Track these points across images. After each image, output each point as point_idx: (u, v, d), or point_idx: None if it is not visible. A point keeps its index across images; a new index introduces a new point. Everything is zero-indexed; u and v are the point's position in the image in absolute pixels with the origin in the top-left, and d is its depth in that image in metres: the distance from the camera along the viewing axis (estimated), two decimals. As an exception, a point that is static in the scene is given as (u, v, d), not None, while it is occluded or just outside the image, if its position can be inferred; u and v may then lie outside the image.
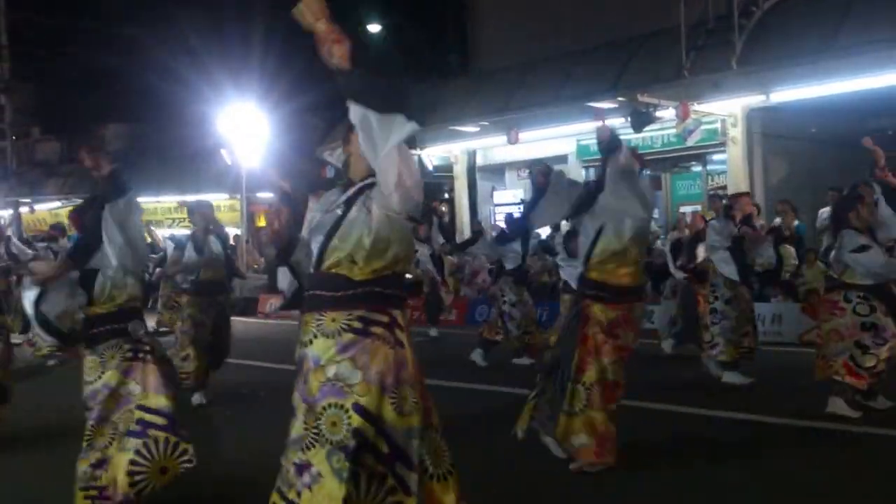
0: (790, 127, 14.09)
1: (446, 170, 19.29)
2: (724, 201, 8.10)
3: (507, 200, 18.80)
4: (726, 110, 13.89)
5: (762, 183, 14.24)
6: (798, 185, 14.13)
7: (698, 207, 14.88)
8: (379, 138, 2.79)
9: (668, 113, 13.24)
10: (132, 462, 4.20)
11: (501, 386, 7.36)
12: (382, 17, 25.39)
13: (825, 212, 11.97)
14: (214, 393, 7.42)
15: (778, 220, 10.89)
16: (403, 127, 2.79)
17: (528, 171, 18.41)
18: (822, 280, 9.05)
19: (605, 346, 4.84)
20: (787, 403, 6.48)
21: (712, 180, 15.58)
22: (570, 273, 8.34)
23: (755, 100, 13.44)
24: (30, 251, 7.06)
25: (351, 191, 3.05)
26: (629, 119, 13.29)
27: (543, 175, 5.11)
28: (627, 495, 4.51)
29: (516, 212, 17.67)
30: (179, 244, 7.88)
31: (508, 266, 9.14)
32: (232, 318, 8.06)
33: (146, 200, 23.11)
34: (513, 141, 16.17)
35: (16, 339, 8.62)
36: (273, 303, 15.39)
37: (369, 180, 3.02)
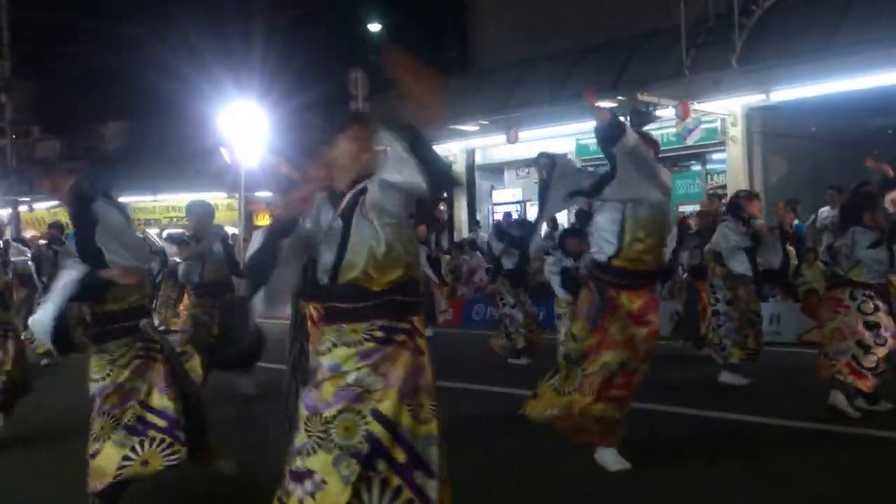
0: (790, 126, 14.09)
1: (445, 168, 19.26)
2: (739, 198, 7.98)
3: (506, 199, 18.80)
4: (726, 109, 13.89)
5: (762, 182, 14.24)
6: (798, 184, 14.13)
7: (697, 207, 14.87)
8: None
9: (667, 112, 13.24)
10: (125, 458, 4.17)
11: (499, 386, 7.36)
12: (383, 16, 25.42)
13: (825, 211, 11.98)
14: (214, 392, 7.41)
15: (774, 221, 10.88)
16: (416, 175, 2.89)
17: (530, 167, 18.43)
18: (822, 280, 9.08)
19: (629, 337, 4.79)
20: (787, 403, 6.47)
21: (712, 179, 15.58)
22: (553, 271, 8.30)
23: (755, 99, 13.44)
24: (28, 251, 7.08)
25: (344, 201, 2.97)
26: (629, 118, 13.29)
27: (547, 171, 5.00)
28: (627, 495, 4.50)
29: (514, 211, 17.76)
30: (178, 243, 7.89)
31: (507, 266, 9.13)
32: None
33: (145, 199, 23.14)
34: (512, 140, 16.17)
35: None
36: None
37: (359, 187, 2.97)
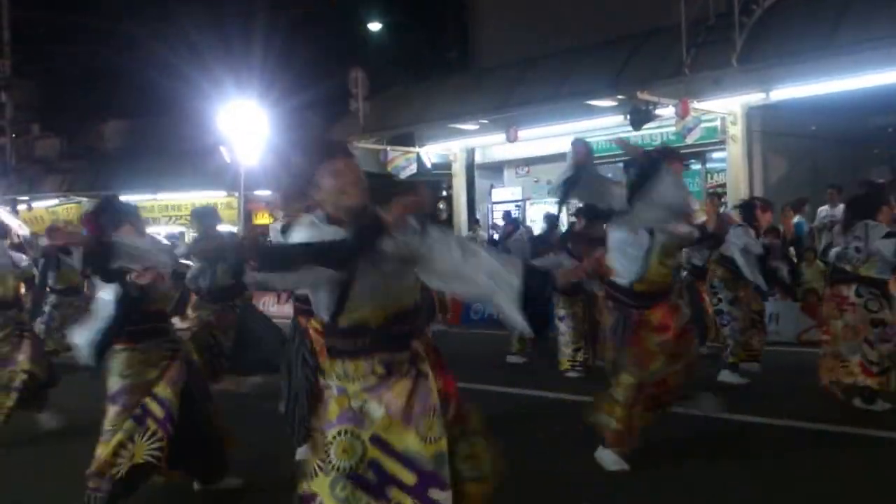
0: (790, 125, 14.08)
1: (445, 167, 19.28)
2: (755, 207, 7.93)
3: (506, 198, 18.80)
4: (726, 108, 13.88)
5: (762, 181, 14.23)
6: (798, 182, 14.12)
7: (697, 206, 14.85)
8: None
9: (667, 111, 13.23)
10: (121, 444, 4.21)
11: (499, 385, 7.35)
12: (383, 15, 25.41)
13: (824, 210, 11.97)
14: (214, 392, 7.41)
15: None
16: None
17: (529, 166, 18.44)
18: (821, 279, 9.07)
19: (657, 347, 4.85)
20: (787, 403, 6.47)
21: (712, 178, 15.58)
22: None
23: (755, 97, 13.43)
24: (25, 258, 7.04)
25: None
26: (629, 117, 13.28)
27: (581, 156, 4.83)
28: (627, 495, 4.50)
29: (514, 210, 17.76)
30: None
31: None
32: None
33: (143, 198, 23.10)
34: (512, 139, 16.16)
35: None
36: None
37: (366, 232, 2.84)
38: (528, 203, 18.27)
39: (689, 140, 13.72)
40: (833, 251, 6.54)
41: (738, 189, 13.88)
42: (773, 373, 7.77)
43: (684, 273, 9.19)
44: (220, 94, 18.68)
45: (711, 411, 5.50)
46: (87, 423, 6.37)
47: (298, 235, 2.85)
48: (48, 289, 9.92)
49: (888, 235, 6.00)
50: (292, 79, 19.67)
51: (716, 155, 15.29)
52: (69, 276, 9.70)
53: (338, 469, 2.77)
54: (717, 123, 14.25)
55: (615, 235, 4.93)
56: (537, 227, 15.58)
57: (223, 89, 18.64)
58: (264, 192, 22.03)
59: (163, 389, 4.35)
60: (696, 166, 16.04)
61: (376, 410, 2.83)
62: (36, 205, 25.40)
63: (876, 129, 14.51)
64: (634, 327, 4.86)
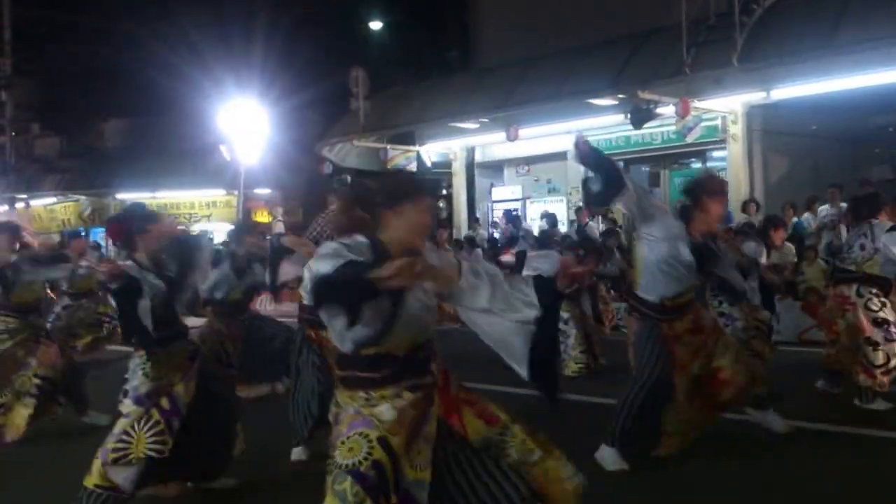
0: (791, 124, 14.08)
1: (445, 166, 19.27)
2: (770, 228, 7.90)
3: (506, 197, 18.79)
4: (727, 107, 13.87)
5: (762, 180, 14.23)
6: (798, 182, 14.11)
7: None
8: None
9: (668, 110, 13.22)
10: (124, 433, 4.21)
11: (501, 385, 7.31)
12: (384, 14, 25.37)
13: (824, 209, 11.96)
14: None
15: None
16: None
17: (529, 165, 18.43)
18: (822, 278, 9.06)
19: (695, 349, 4.89)
20: (787, 403, 6.42)
21: (712, 177, 15.56)
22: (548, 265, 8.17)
23: (756, 96, 13.42)
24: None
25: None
26: (629, 116, 13.26)
27: (584, 142, 4.85)
28: (627, 495, 4.50)
29: (514, 209, 17.75)
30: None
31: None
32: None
33: (143, 197, 23.08)
34: (512, 138, 16.14)
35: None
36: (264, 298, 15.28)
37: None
38: (528, 202, 18.27)
39: (690, 139, 13.73)
40: (835, 252, 6.58)
41: (738, 188, 13.87)
42: (774, 372, 7.69)
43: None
44: (220, 92, 18.67)
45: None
46: (87, 423, 6.43)
47: (328, 264, 2.67)
48: (61, 292, 9.99)
49: (892, 230, 6.00)
50: (293, 77, 19.63)
51: (716, 154, 15.29)
52: (83, 282, 9.66)
53: (340, 466, 2.76)
54: (718, 122, 14.25)
55: (649, 253, 4.84)
56: (537, 226, 15.58)
57: (223, 88, 18.63)
58: (264, 191, 22.07)
59: (178, 387, 4.39)
60: (696, 165, 16.05)
61: (387, 413, 2.82)
62: (34, 203, 25.41)
63: (876, 129, 14.50)
64: (666, 339, 4.85)
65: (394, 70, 21.59)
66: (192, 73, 20.01)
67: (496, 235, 16.73)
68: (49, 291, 9.07)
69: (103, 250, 14.68)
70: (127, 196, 23.88)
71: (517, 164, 18.77)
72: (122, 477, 4.12)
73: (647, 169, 17.22)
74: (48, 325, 9.44)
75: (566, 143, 16.88)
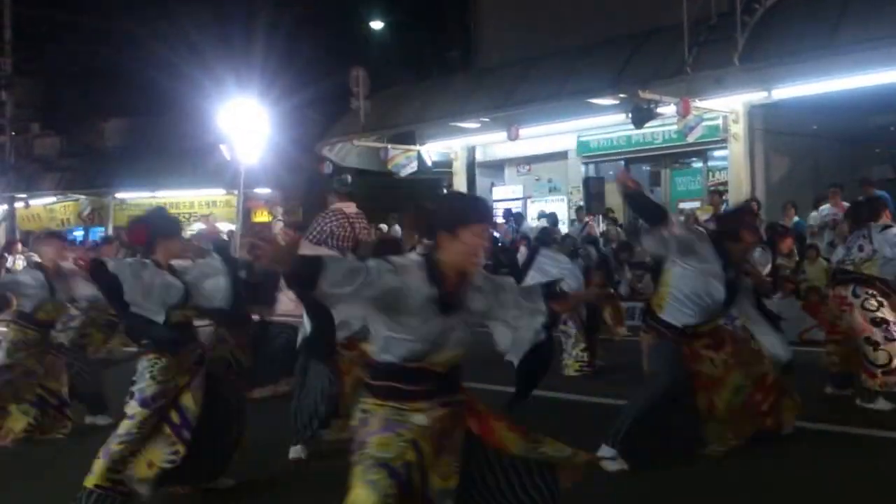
0: (792, 123, 14.07)
1: (446, 166, 19.26)
2: (776, 235, 7.89)
3: (506, 196, 18.78)
4: (728, 107, 13.86)
5: (763, 179, 14.22)
6: (799, 181, 14.10)
7: (698, 204, 14.85)
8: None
9: (669, 109, 13.21)
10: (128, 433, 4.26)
11: (500, 385, 7.29)
12: (384, 13, 25.36)
13: (826, 208, 11.94)
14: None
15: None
16: None
17: (530, 164, 18.41)
18: (824, 277, 9.05)
19: (723, 364, 4.92)
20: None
21: (713, 176, 15.57)
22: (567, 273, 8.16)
23: (757, 96, 13.41)
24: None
25: (457, 299, 2.95)
26: (630, 115, 13.25)
27: (625, 174, 4.96)
28: (627, 495, 4.49)
29: (515, 208, 17.72)
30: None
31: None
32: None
33: (142, 196, 23.09)
34: (513, 137, 16.13)
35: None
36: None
37: (467, 288, 2.99)
38: (529, 201, 18.26)
39: (691, 138, 13.71)
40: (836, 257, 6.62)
41: (739, 187, 13.87)
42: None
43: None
44: (220, 92, 18.62)
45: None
46: (87, 423, 6.42)
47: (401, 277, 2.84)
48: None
49: (885, 229, 6.04)
50: (293, 77, 19.62)
51: (717, 153, 15.28)
52: None
53: (374, 458, 2.82)
54: (719, 122, 14.24)
55: (680, 281, 4.82)
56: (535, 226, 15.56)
57: (223, 87, 18.59)
58: (264, 190, 22.06)
59: (186, 397, 4.42)
60: (697, 164, 16.04)
61: (420, 419, 2.89)
62: (34, 202, 25.41)
63: (877, 128, 14.49)
64: (684, 357, 4.86)
65: (394, 69, 21.58)
66: (191, 72, 20.00)
67: (496, 234, 16.71)
68: None
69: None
70: (127, 195, 23.90)
71: (518, 163, 18.77)
72: (144, 487, 4.20)
73: (648, 168, 17.22)
74: (65, 324, 9.46)
75: (567, 143, 16.91)
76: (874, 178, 12.66)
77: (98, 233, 21.89)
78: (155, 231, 4.50)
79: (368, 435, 2.88)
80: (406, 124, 17.31)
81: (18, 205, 25.12)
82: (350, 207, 6.25)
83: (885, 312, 6.05)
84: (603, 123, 15.56)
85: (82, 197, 24.53)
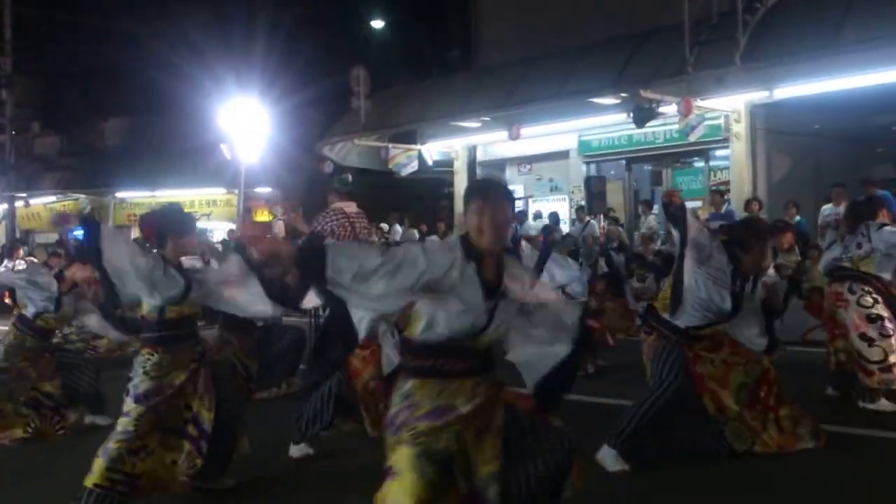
0: (793, 123, 14.04)
1: (447, 165, 19.24)
2: (777, 230, 7.87)
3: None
4: (730, 106, 13.84)
5: (765, 179, 14.19)
6: (801, 181, 14.08)
7: (699, 203, 14.82)
8: None
9: (670, 109, 13.19)
10: (174, 462, 4.33)
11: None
12: (385, 13, 25.35)
13: (827, 208, 11.91)
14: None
15: None
16: None
17: (531, 164, 18.38)
18: (826, 277, 9.03)
19: (725, 364, 4.93)
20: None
21: (715, 176, 15.54)
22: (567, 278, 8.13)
23: (758, 96, 13.38)
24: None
25: (502, 289, 3.03)
26: (632, 115, 13.23)
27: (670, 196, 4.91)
28: (626, 494, 4.47)
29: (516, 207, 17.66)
30: None
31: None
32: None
33: (142, 195, 23.08)
34: (514, 136, 16.11)
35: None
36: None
37: (504, 279, 3.04)
38: (530, 201, 18.23)
39: (692, 138, 13.69)
40: (826, 257, 6.64)
41: (741, 187, 13.85)
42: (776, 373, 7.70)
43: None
44: (220, 91, 18.64)
45: None
46: (87, 423, 6.40)
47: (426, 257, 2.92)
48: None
49: (882, 227, 6.06)
50: (294, 76, 19.62)
51: (719, 153, 15.26)
52: None
53: (422, 444, 2.89)
54: (721, 121, 14.21)
55: (693, 284, 4.79)
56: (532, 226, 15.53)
57: (224, 87, 18.60)
58: (264, 190, 22.04)
59: (198, 405, 4.41)
60: (699, 164, 16.02)
61: (464, 407, 2.96)
62: (34, 202, 25.40)
63: (879, 128, 14.46)
64: (687, 359, 4.87)
65: (395, 69, 21.56)
66: (192, 71, 20.00)
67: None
68: None
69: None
70: (127, 195, 23.90)
71: (519, 162, 18.74)
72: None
73: (650, 168, 17.20)
74: (74, 326, 9.44)
75: (568, 142, 16.89)
76: (876, 178, 12.63)
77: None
78: (164, 227, 4.46)
79: (417, 420, 2.93)
80: (407, 124, 17.29)
81: (18, 204, 25.11)
82: (351, 207, 6.25)
83: (880, 309, 6.06)
84: (604, 123, 15.54)
85: (82, 196, 24.53)
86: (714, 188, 14.90)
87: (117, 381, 5.20)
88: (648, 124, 13.58)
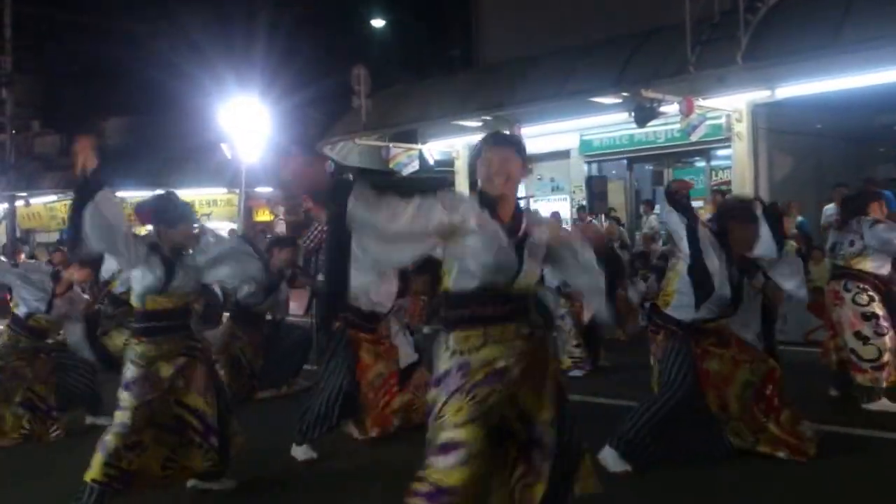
0: (795, 122, 14.00)
1: (448, 164, 19.21)
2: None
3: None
4: (731, 105, 13.80)
5: (767, 179, 14.16)
6: (803, 180, 14.05)
7: (700, 203, 14.79)
8: None
9: (672, 108, 13.15)
10: (168, 458, 4.29)
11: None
12: (386, 12, 25.35)
13: (830, 208, 11.88)
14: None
15: None
16: None
17: (532, 163, 18.34)
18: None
19: (731, 362, 4.89)
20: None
21: (716, 176, 15.51)
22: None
23: (760, 95, 13.34)
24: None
25: (520, 234, 3.12)
26: (633, 114, 13.20)
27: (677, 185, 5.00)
28: (625, 494, 4.44)
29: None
30: None
31: None
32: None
33: (143, 195, 23.00)
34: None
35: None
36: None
37: (524, 226, 3.15)
38: (531, 200, 18.19)
39: (694, 137, 13.64)
40: (829, 248, 6.62)
41: (743, 186, 13.81)
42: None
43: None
44: (221, 91, 18.60)
45: None
46: (87, 423, 6.38)
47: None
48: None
49: (875, 224, 6.05)
50: (294, 76, 19.60)
51: (721, 153, 15.22)
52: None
53: (477, 410, 2.94)
54: (722, 121, 14.17)
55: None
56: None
57: (224, 86, 18.57)
58: (265, 189, 22.02)
59: (194, 400, 4.36)
60: (700, 164, 15.99)
61: (518, 373, 3.04)
62: (34, 201, 25.39)
63: (881, 128, 14.43)
64: (695, 357, 4.83)
65: (396, 68, 21.55)
66: (192, 71, 19.98)
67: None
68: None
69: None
70: (127, 194, 23.83)
71: (519, 162, 18.69)
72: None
73: (651, 167, 17.17)
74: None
75: (569, 142, 16.85)
76: (878, 178, 12.60)
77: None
78: (154, 216, 4.44)
79: (474, 387, 2.97)
80: (407, 123, 17.26)
81: (19, 203, 25.10)
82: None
83: (876, 307, 6.04)
84: (605, 122, 15.50)
85: (82, 195, 24.46)
86: (715, 188, 14.86)
87: (115, 382, 5.19)
88: (650, 124, 13.54)
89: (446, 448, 2.91)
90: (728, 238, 4.82)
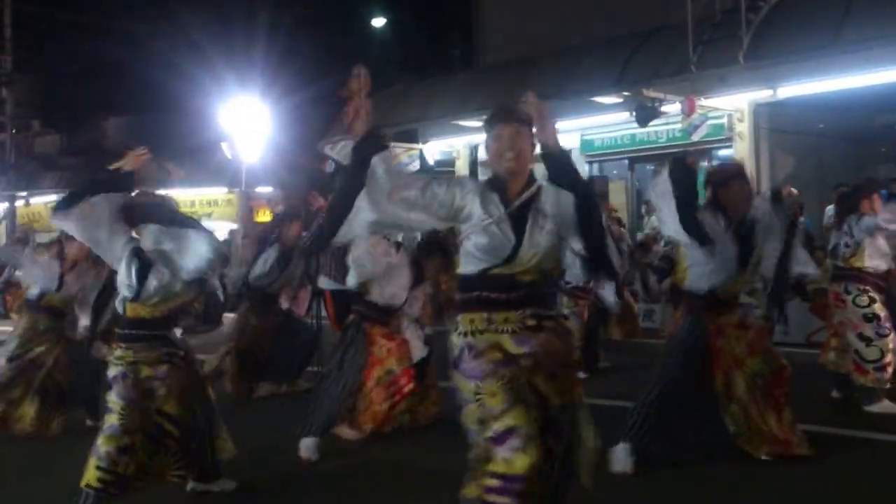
0: (797, 122, 13.98)
1: (448, 164, 19.18)
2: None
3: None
4: (733, 105, 13.77)
5: (768, 178, 14.12)
6: (805, 180, 13.98)
7: (701, 203, 14.76)
8: None
9: (673, 107, 13.13)
10: (144, 465, 4.25)
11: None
12: (387, 11, 25.35)
13: (831, 208, 11.86)
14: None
15: None
16: None
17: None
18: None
19: (747, 346, 4.85)
20: (793, 405, 6.35)
21: (717, 175, 15.47)
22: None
23: (762, 95, 13.31)
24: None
25: (516, 203, 3.06)
26: (634, 114, 13.17)
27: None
28: (625, 495, 4.43)
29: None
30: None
31: None
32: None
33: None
34: (515, 136, 16.04)
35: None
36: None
37: (530, 192, 3.07)
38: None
39: (696, 137, 13.61)
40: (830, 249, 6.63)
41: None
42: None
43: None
44: (221, 90, 18.61)
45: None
46: (88, 424, 6.36)
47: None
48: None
49: (860, 217, 6.11)
50: (294, 75, 19.60)
51: (722, 152, 15.18)
52: None
53: (508, 390, 2.90)
54: (724, 120, 14.14)
55: (694, 249, 4.77)
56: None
57: (224, 86, 18.58)
58: (265, 189, 22.01)
59: (171, 407, 4.34)
60: (702, 163, 15.95)
61: (528, 362, 2.99)
62: (34, 201, 25.36)
63: (882, 128, 14.41)
64: (709, 335, 4.79)
65: (396, 68, 21.54)
66: (192, 70, 19.98)
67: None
68: None
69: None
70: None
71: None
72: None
73: (652, 167, 17.13)
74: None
75: (570, 141, 16.79)
76: (880, 178, 12.58)
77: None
78: (138, 218, 4.48)
79: (495, 366, 2.94)
80: (408, 123, 17.23)
81: (19, 203, 25.08)
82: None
83: (877, 308, 6.03)
84: (606, 122, 15.46)
85: (82, 195, 24.46)
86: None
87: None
88: (651, 123, 13.51)
89: (501, 438, 2.87)
90: (721, 202, 4.86)
